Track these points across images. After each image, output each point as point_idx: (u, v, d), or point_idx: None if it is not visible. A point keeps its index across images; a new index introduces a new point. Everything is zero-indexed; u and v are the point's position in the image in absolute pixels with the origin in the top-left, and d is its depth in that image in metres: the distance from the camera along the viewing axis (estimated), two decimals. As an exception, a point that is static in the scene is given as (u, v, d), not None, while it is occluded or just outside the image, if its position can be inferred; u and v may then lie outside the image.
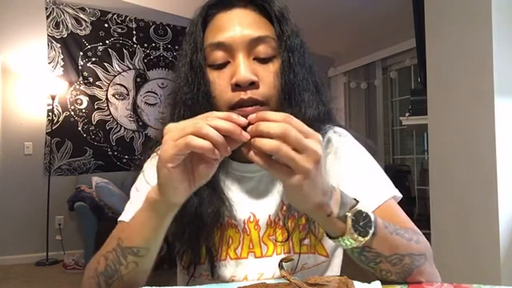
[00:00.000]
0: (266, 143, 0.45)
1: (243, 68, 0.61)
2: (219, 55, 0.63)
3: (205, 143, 0.46)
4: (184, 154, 0.48)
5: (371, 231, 0.52)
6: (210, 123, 0.47)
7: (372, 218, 0.52)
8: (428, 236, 2.20)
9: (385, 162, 4.46)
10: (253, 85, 0.61)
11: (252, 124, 0.48)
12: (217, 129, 0.47)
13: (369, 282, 0.53)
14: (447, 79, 1.90)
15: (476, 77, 1.73)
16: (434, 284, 0.56)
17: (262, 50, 0.63)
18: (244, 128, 0.48)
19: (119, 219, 0.69)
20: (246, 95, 0.61)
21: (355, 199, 0.54)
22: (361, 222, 0.51)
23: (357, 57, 4.69)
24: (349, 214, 0.51)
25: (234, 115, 0.48)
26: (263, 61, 0.64)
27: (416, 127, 2.91)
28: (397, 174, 3.83)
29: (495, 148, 1.63)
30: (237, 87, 0.61)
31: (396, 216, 0.63)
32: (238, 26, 0.63)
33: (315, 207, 0.50)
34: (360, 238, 0.51)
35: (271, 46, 0.64)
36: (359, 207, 0.52)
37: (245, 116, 0.49)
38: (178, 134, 0.47)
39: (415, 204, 3.86)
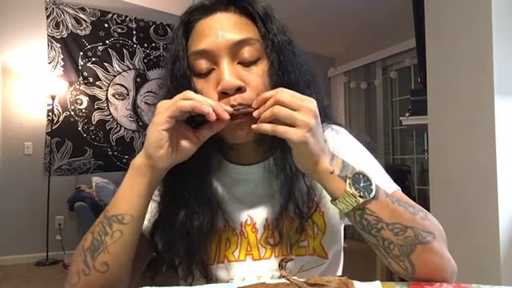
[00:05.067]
0: (267, 112, 0.54)
1: (228, 74, 0.60)
2: (203, 63, 0.62)
3: (194, 102, 0.54)
4: (176, 116, 0.55)
5: (372, 192, 0.54)
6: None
7: (373, 182, 0.56)
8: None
9: (385, 162, 4.46)
10: (239, 90, 0.60)
11: (256, 108, 0.57)
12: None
13: (369, 282, 0.53)
14: (447, 79, 1.90)
15: (476, 77, 1.73)
16: (434, 284, 0.56)
17: (246, 53, 0.62)
18: (231, 116, 0.58)
19: None
20: (235, 101, 0.59)
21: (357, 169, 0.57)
22: (362, 183, 0.55)
23: (357, 57, 4.70)
24: (349, 174, 0.56)
25: (220, 103, 0.58)
26: (248, 64, 0.62)
27: (416, 127, 2.91)
28: (397, 174, 3.82)
29: (495, 148, 1.63)
30: (223, 94, 0.60)
31: (403, 199, 0.62)
32: (219, 31, 0.62)
33: (317, 164, 0.55)
34: (359, 198, 0.54)
35: (256, 48, 0.62)
36: (359, 170, 0.56)
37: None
38: (170, 103, 0.55)
39: (415, 204, 3.86)
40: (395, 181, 0.68)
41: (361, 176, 0.55)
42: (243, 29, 0.63)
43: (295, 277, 0.49)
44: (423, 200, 3.71)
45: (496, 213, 1.62)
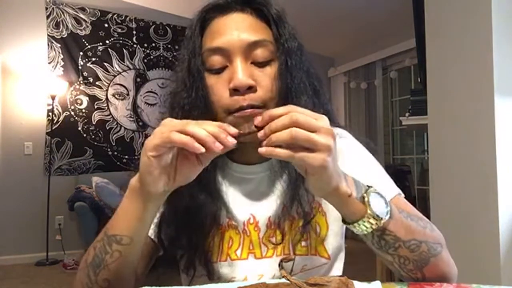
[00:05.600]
0: (281, 134, 0.47)
1: (241, 73, 0.61)
2: (216, 60, 0.63)
3: (185, 138, 0.48)
4: (166, 147, 0.50)
5: (388, 211, 0.53)
6: (200, 126, 0.49)
7: (387, 199, 0.54)
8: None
9: (385, 162, 4.46)
10: (250, 89, 0.61)
11: (261, 127, 0.49)
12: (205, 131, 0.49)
13: (369, 282, 0.53)
14: (447, 79, 1.90)
15: (476, 77, 1.73)
16: (434, 284, 0.56)
17: (260, 54, 0.63)
18: (236, 138, 0.51)
19: None
20: (244, 101, 0.61)
21: (367, 185, 0.56)
22: (378, 203, 0.53)
23: (357, 57, 4.69)
24: (366, 195, 0.53)
25: (225, 125, 0.51)
26: (261, 64, 0.64)
27: (416, 127, 2.91)
28: (397, 174, 3.82)
29: (495, 148, 1.63)
30: (235, 91, 0.61)
31: (407, 209, 0.63)
32: (235, 30, 0.63)
33: (336, 189, 0.51)
34: (380, 218, 0.52)
35: (269, 50, 0.64)
36: (373, 189, 0.54)
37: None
38: (167, 129, 0.49)
39: (415, 204, 3.85)
40: (395, 181, 0.69)
41: (375, 194, 0.54)
42: (258, 31, 0.64)
43: (295, 277, 0.49)
44: (423, 200, 3.71)
45: (496, 213, 1.62)
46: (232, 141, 0.50)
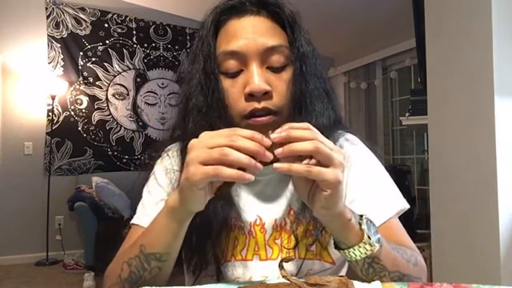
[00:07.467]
0: (307, 143, 0.46)
1: (257, 78, 0.61)
2: (232, 64, 0.63)
3: (234, 173, 0.47)
4: (212, 180, 0.49)
5: (378, 239, 0.54)
6: (235, 144, 0.47)
7: (375, 227, 0.55)
8: (427, 236, 2.18)
9: (385, 162, 4.44)
10: (266, 94, 0.61)
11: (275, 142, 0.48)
12: (242, 149, 0.47)
13: (369, 282, 0.53)
14: (447, 79, 1.90)
15: (476, 77, 1.73)
16: (433, 284, 0.56)
17: (276, 59, 0.63)
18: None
19: (132, 222, 0.70)
20: (260, 105, 0.61)
21: (358, 214, 0.56)
22: (372, 229, 0.54)
23: (357, 57, 4.69)
24: (362, 222, 0.54)
25: (257, 135, 0.48)
26: (276, 70, 0.63)
27: (416, 127, 2.91)
28: (397, 174, 3.82)
29: (495, 148, 1.63)
30: (250, 96, 0.61)
31: (397, 234, 0.64)
32: (251, 34, 0.63)
33: (342, 211, 0.51)
34: (375, 245, 0.53)
35: (284, 55, 0.64)
36: (365, 217, 0.55)
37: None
38: (204, 156, 0.47)
39: (415, 204, 3.86)
40: (395, 182, 0.69)
41: (368, 221, 0.55)
42: (274, 35, 0.64)
43: (295, 277, 0.49)
44: (423, 200, 3.71)
45: (496, 213, 1.62)
46: (269, 155, 0.48)
